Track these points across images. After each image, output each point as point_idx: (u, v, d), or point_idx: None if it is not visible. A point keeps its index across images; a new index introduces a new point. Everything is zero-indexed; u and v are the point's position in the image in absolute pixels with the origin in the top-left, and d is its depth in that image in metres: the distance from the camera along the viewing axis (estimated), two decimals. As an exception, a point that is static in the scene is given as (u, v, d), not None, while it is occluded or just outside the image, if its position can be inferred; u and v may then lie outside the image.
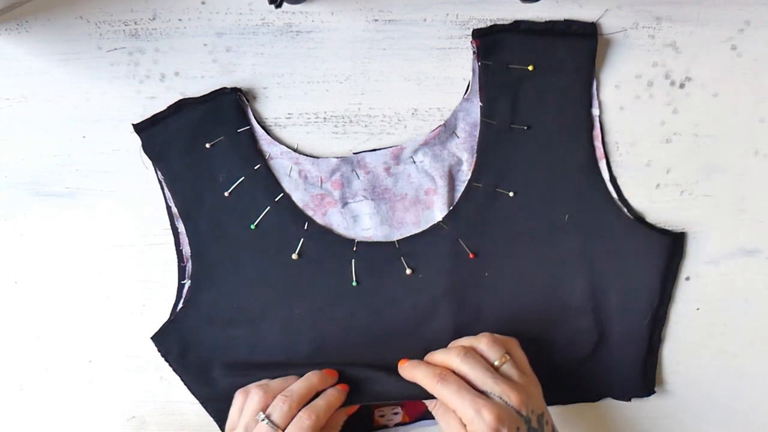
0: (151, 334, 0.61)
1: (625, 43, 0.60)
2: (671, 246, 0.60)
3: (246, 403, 0.56)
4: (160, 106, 0.60)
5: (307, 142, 0.62)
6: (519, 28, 0.60)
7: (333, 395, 0.56)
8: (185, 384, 0.61)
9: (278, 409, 0.54)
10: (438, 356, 0.56)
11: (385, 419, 0.62)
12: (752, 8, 0.60)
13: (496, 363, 0.54)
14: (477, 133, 0.60)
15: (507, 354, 0.55)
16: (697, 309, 0.63)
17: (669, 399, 0.63)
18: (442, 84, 0.61)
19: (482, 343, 0.55)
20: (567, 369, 0.61)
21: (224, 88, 0.60)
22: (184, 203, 0.60)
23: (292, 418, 0.54)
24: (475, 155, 0.60)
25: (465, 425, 0.52)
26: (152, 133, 0.60)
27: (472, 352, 0.54)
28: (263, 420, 0.54)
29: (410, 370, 0.55)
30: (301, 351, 0.60)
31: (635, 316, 0.60)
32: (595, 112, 0.60)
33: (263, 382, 0.58)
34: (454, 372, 0.54)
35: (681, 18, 0.60)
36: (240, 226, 0.60)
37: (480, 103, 0.60)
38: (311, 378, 0.57)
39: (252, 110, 0.61)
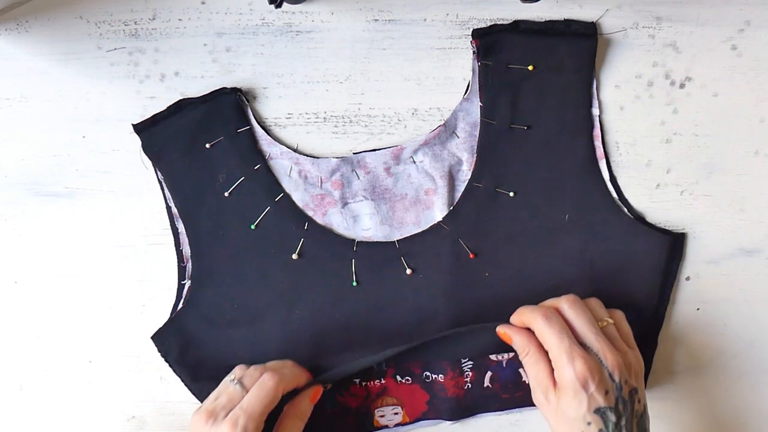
0: (151, 334, 0.61)
1: (625, 43, 0.60)
2: (671, 246, 0.60)
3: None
4: (160, 106, 0.60)
5: (307, 142, 0.62)
6: (519, 28, 0.60)
7: (298, 370, 0.58)
8: (185, 384, 0.61)
9: (249, 374, 0.56)
10: (549, 300, 0.56)
11: (386, 419, 0.62)
12: (752, 8, 0.60)
13: (599, 323, 0.54)
14: (477, 133, 0.60)
15: (610, 319, 0.55)
16: (697, 309, 0.63)
17: (669, 399, 0.63)
18: (442, 84, 0.61)
19: (590, 302, 0.56)
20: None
21: (224, 88, 0.60)
22: (184, 203, 0.60)
23: None
24: (475, 155, 0.60)
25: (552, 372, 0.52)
26: (152, 133, 0.60)
27: (582, 303, 0.55)
28: (232, 381, 0.55)
29: (518, 313, 0.55)
30: (301, 351, 0.60)
31: (635, 316, 0.60)
32: (595, 111, 0.60)
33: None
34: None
35: (681, 18, 0.60)
36: (240, 226, 0.60)
37: (480, 103, 0.60)
38: (286, 361, 0.58)
39: (252, 110, 0.61)
